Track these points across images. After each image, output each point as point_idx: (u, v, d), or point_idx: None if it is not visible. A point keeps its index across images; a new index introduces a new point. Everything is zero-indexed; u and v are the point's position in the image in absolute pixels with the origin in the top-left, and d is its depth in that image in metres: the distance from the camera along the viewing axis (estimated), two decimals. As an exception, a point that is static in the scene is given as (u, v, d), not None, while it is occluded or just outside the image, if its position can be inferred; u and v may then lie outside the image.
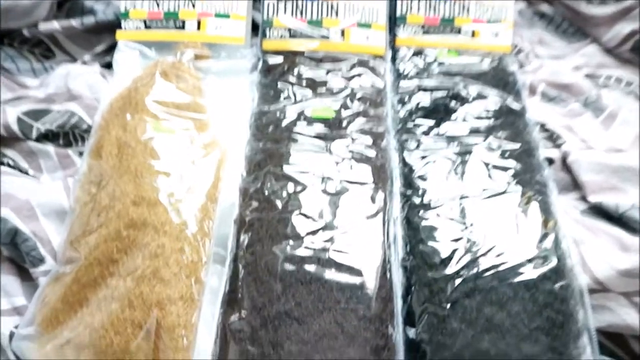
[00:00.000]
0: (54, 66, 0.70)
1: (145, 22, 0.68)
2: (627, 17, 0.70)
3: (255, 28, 0.70)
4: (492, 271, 0.49)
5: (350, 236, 0.51)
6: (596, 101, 0.66)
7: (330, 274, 0.48)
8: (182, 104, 0.59)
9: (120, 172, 0.52)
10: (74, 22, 0.70)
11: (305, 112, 0.61)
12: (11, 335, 0.47)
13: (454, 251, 0.50)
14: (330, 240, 0.50)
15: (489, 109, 0.63)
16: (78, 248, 0.49)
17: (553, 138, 0.63)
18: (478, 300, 0.47)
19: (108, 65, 0.70)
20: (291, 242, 0.50)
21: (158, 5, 0.69)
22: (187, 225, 0.50)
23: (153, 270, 0.46)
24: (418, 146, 0.59)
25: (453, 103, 0.63)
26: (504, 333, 0.46)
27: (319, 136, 0.59)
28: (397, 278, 0.49)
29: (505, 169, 0.57)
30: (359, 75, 0.65)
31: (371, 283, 0.48)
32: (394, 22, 0.71)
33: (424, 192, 0.55)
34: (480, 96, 0.64)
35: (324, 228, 0.51)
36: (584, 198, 0.57)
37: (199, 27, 0.68)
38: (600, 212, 0.56)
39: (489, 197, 0.54)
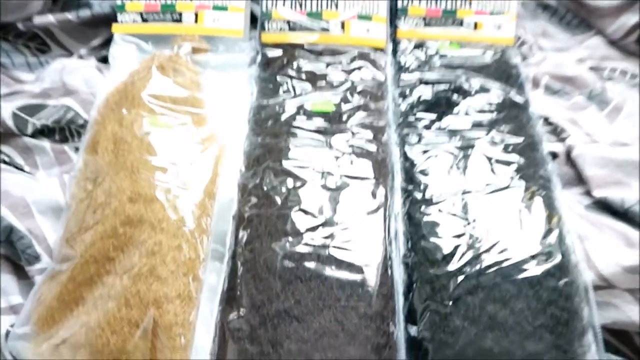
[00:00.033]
0: (49, 60, 0.70)
1: (141, 14, 0.67)
2: (632, 8, 0.69)
3: (254, 20, 0.70)
4: (495, 268, 0.48)
5: (351, 232, 0.50)
6: (601, 94, 0.65)
7: (331, 271, 0.48)
8: (179, 99, 0.59)
9: (117, 168, 0.51)
10: (70, 15, 0.69)
11: (304, 106, 0.61)
12: (7, 334, 0.47)
13: (456, 247, 0.49)
14: (331, 236, 0.50)
15: (492, 103, 0.62)
16: (74, 246, 0.49)
17: (557, 132, 0.62)
18: (481, 298, 0.47)
19: (105, 59, 0.69)
20: (291, 238, 0.50)
21: (155, -3, 0.68)
22: (185, 222, 0.49)
23: (150, 268, 0.46)
24: (419, 140, 0.59)
25: (455, 96, 0.62)
26: (507, 331, 0.45)
27: (318, 130, 0.58)
28: (399, 275, 0.49)
29: (508, 163, 0.56)
30: (360, 68, 0.64)
31: (372, 280, 0.48)
32: (394, 14, 0.70)
33: (426, 187, 0.54)
34: (482, 89, 0.63)
35: (324, 224, 0.51)
36: (588, 193, 0.57)
37: (196, 20, 0.67)
38: (605, 207, 0.55)
39: (491, 192, 0.54)
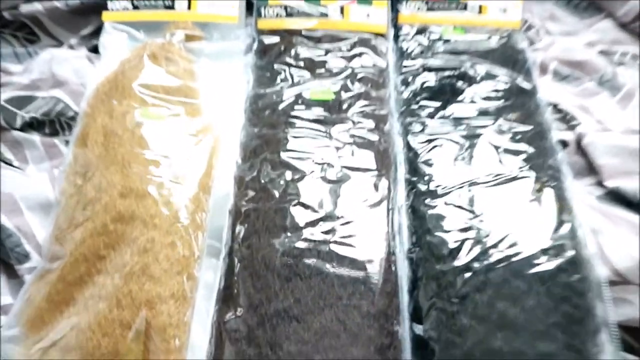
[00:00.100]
0: (38, 51, 0.68)
1: (132, 1, 0.65)
2: (644, -11, 0.67)
3: (249, 6, 0.68)
4: (504, 263, 0.47)
5: (353, 227, 0.49)
6: (612, 79, 0.63)
7: (332, 268, 0.46)
8: (172, 88, 0.57)
9: (107, 162, 0.50)
10: (58, 3, 0.67)
11: (303, 94, 0.59)
12: (-4, 336, 0.45)
13: (463, 242, 0.48)
14: (331, 231, 0.49)
15: (498, 89, 0.60)
16: (63, 243, 0.48)
17: (566, 119, 0.60)
18: (490, 295, 0.45)
19: (96, 49, 0.67)
20: (289, 234, 0.48)
21: (146, -17, 0.65)
22: (179, 217, 0.48)
23: (142, 266, 0.44)
24: (423, 129, 0.57)
25: (460, 83, 0.61)
26: (517, 330, 0.44)
27: (318, 120, 0.57)
28: (403, 271, 0.48)
29: (516, 152, 0.55)
30: (360, 54, 0.63)
31: (375, 277, 0.46)
32: (396, -3, 0.68)
33: (430, 178, 0.53)
34: (488, 76, 0.61)
35: (325, 218, 0.49)
36: (600, 183, 0.55)
37: (189, 7, 0.65)
38: (618, 197, 0.53)
39: (499, 183, 0.52)
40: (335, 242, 0.48)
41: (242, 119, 0.57)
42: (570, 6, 0.74)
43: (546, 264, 0.47)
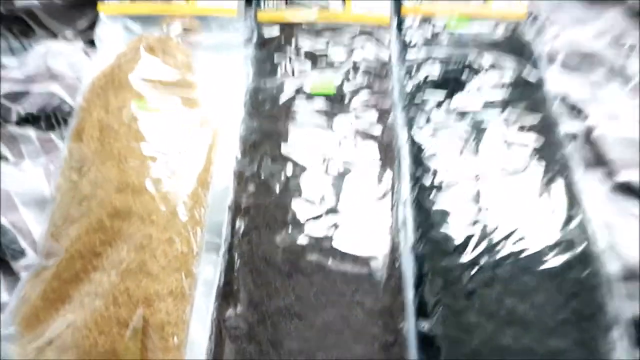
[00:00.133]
0: (33, 44, 0.67)
1: (129, -7, 0.64)
2: (655, -24, 0.66)
3: (248, -2, 0.66)
4: (512, 258, 0.46)
5: (356, 222, 0.48)
6: (622, 70, 0.63)
7: (334, 264, 0.46)
8: (169, 81, 0.56)
9: (103, 157, 0.49)
10: (53, -4, 0.66)
11: (304, 87, 0.58)
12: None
13: (469, 236, 0.47)
14: (334, 226, 0.48)
15: (505, 81, 0.59)
16: (59, 240, 0.47)
17: (575, 111, 0.60)
18: (497, 291, 0.44)
19: (92, 42, 0.66)
20: (291, 229, 0.48)
21: (143, -26, 0.65)
22: (176, 213, 0.47)
23: (139, 263, 0.44)
24: (428, 122, 0.56)
25: (465, 74, 0.60)
26: (526, 326, 0.43)
27: (319, 112, 0.56)
28: (408, 267, 0.47)
29: (524, 145, 0.54)
30: (362, 46, 0.62)
31: (379, 273, 0.46)
32: (399, -12, 0.67)
33: (436, 172, 0.52)
34: (494, 67, 0.60)
35: (327, 213, 0.49)
36: (610, 176, 0.54)
37: (187, -2, 0.64)
38: (629, 191, 0.53)
39: (507, 176, 0.52)
40: (338, 237, 0.47)
41: (242, 113, 0.57)
42: (578, -5, 0.73)
43: (555, 259, 0.46)
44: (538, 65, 0.62)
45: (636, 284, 0.47)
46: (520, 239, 0.47)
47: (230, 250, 0.47)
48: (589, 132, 0.57)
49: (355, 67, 0.60)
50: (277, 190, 0.50)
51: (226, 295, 0.45)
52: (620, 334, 0.43)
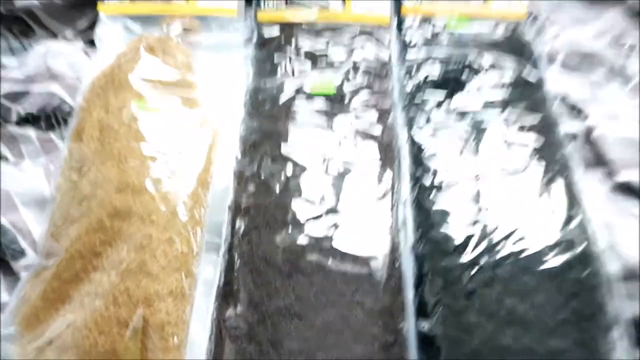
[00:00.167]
0: (33, 44, 0.67)
1: (129, -7, 0.64)
2: (655, -24, 0.66)
3: (249, -2, 0.66)
4: (512, 258, 0.46)
5: (356, 222, 0.48)
6: (622, 70, 0.63)
7: (334, 264, 0.46)
8: (169, 81, 0.56)
9: (103, 157, 0.49)
10: (53, -4, 0.66)
11: (304, 87, 0.58)
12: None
13: (469, 236, 0.47)
14: (334, 226, 0.48)
15: (505, 81, 0.59)
16: (59, 240, 0.47)
17: (575, 111, 0.59)
18: (498, 291, 0.45)
19: (92, 42, 0.66)
20: (291, 229, 0.48)
21: (143, -26, 0.65)
22: (176, 213, 0.47)
23: (139, 263, 0.44)
24: (428, 122, 0.56)
25: (465, 74, 0.60)
26: (526, 326, 0.43)
27: (319, 113, 0.56)
28: (408, 267, 0.47)
29: (524, 145, 0.54)
30: (362, 46, 0.62)
31: (379, 273, 0.46)
32: (399, -13, 0.67)
33: (436, 172, 0.52)
34: (494, 67, 0.60)
35: (327, 213, 0.49)
36: (610, 176, 0.54)
37: (187, -2, 0.64)
38: (629, 191, 0.53)
39: (507, 176, 0.52)
40: (338, 237, 0.47)
41: (242, 113, 0.57)
42: (578, -6, 0.73)
43: (555, 259, 0.46)
44: (538, 65, 0.62)
45: (636, 284, 0.47)
46: (520, 239, 0.47)
47: (230, 250, 0.47)
48: (589, 132, 0.57)
49: (355, 67, 0.60)
50: (277, 190, 0.50)
51: (226, 295, 0.45)
52: (620, 334, 0.43)
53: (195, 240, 0.47)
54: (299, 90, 0.58)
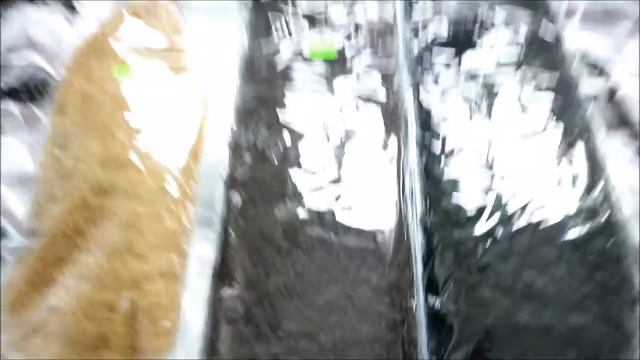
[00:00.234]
0: (11, 11, 0.64)
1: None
2: None
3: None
4: (529, 229, 0.45)
5: (360, 192, 0.47)
6: (647, 22, 0.60)
7: (337, 238, 0.45)
8: (157, 47, 0.54)
9: (86, 130, 0.48)
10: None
11: (303, 51, 0.57)
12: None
13: (483, 206, 0.46)
14: (337, 198, 0.47)
15: (519, 37, 0.57)
16: (42, 220, 0.46)
17: (597, 70, 0.57)
18: (514, 264, 0.43)
19: (74, 8, 0.63)
20: (290, 202, 0.47)
21: None
22: (165, 187, 0.46)
23: (126, 242, 0.42)
24: (436, 84, 0.54)
25: (476, 31, 0.58)
26: (545, 301, 0.42)
27: (319, 77, 0.54)
28: (417, 239, 0.46)
29: (541, 107, 0.52)
30: (364, 5, 0.60)
31: (385, 247, 0.45)
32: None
33: (445, 137, 0.51)
34: (507, 22, 0.59)
35: (329, 184, 0.48)
36: (635, 138, 0.53)
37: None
38: (656, 153, 0.51)
39: (522, 140, 0.50)
40: (341, 209, 0.46)
41: (237, 79, 0.55)
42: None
43: (577, 229, 0.45)
44: (555, 20, 0.60)
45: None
46: (538, 208, 0.46)
47: (225, 226, 0.46)
48: (611, 91, 0.55)
49: (357, 27, 0.58)
50: (275, 161, 0.49)
51: (221, 274, 0.44)
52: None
53: (187, 216, 0.45)
54: (297, 54, 0.57)
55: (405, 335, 0.41)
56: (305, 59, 0.56)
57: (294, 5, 0.60)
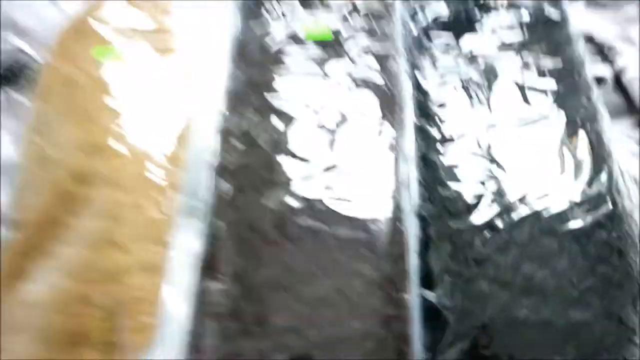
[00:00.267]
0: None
1: None
2: None
3: None
4: (530, 219, 0.44)
5: (353, 180, 0.46)
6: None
7: (328, 228, 0.44)
8: (142, 27, 0.53)
9: (67, 115, 0.47)
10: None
11: (297, 33, 0.55)
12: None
13: (482, 195, 0.45)
14: (329, 186, 0.46)
15: (522, 19, 0.57)
16: (23, 211, 0.44)
17: (603, 52, 0.57)
18: (514, 256, 0.42)
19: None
20: (279, 190, 0.45)
21: None
22: (150, 175, 0.44)
23: (106, 233, 0.41)
24: (435, 67, 0.54)
25: (477, 13, 0.57)
26: (546, 296, 0.41)
27: (314, 60, 0.53)
28: (412, 230, 0.44)
29: (543, 90, 0.51)
30: None
31: (379, 237, 0.44)
32: None
33: (443, 122, 0.50)
34: (510, 3, 0.58)
35: (320, 171, 0.46)
36: None
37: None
38: (664, 141, 0.51)
39: (524, 126, 0.49)
40: (333, 198, 0.45)
41: (228, 62, 0.54)
42: None
43: (580, 220, 0.44)
44: (559, 2, 0.58)
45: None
46: (540, 198, 0.45)
47: (212, 216, 0.45)
48: (618, 75, 0.55)
49: (354, 8, 0.57)
50: (265, 147, 0.48)
51: (207, 266, 0.42)
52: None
53: (172, 205, 0.44)
54: (291, 36, 0.55)
55: (398, 331, 0.40)
56: (299, 42, 0.54)
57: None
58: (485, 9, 0.57)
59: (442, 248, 0.43)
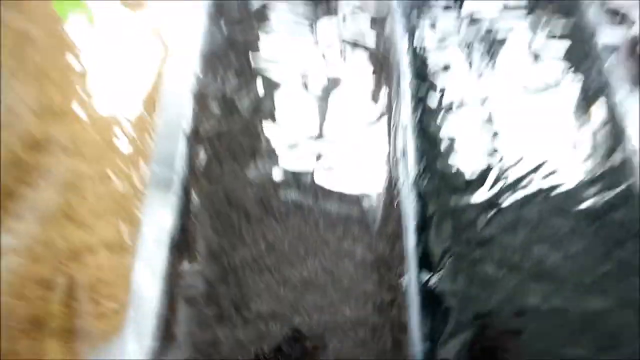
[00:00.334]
0: None
1: None
2: None
3: None
4: (540, 197, 0.43)
5: (344, 151, 0.45)
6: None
7: (316, 204, 0.42)
8: None
9: (19, 75, 0.42)
10: None
11: None
12: None
13: (486, 170, 0.44)
14: (316, 156, 0.44)
15: None
16: None
17: (618, 17, 0.54)
18: (521, 237, 0.41)
19: None
20: (262, 161, 0.44)
21: None
22: (113, 142, 0.41)
23: (64, 207, 0.38)
24: (433, 28, 0.52)
25: None
26: (558, 281, 0.39)
27: (299, 16, 0.51)
28: (409, 207, 0.43)
29: (553, 57, 0.50)
30: None
31: (373, 214, 0.43)
32: None
33: (443, 90, 0.49)
34: None
35: (308, 140, 0.45)
36: None
37: None
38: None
39: (532, 95, 0.48)
40: (322, 169, 0.44)
41: (203, 18, 0.51)
42: None
43: (594, 198, 0.43)
44: None
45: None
46: (551, 173, 0.44)
47: (186, 188, 0.43)
48: (633, 42, 0.53)
49: None
50: (246, 113, 0.46)
51: (180, 244, 0.41)
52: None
53: (139, 176, 0.41)
54: None
55: (394, 318, 0.39)
56: (285, -2, 0.52)
57: None
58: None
59: (443, 227, 0.42)
